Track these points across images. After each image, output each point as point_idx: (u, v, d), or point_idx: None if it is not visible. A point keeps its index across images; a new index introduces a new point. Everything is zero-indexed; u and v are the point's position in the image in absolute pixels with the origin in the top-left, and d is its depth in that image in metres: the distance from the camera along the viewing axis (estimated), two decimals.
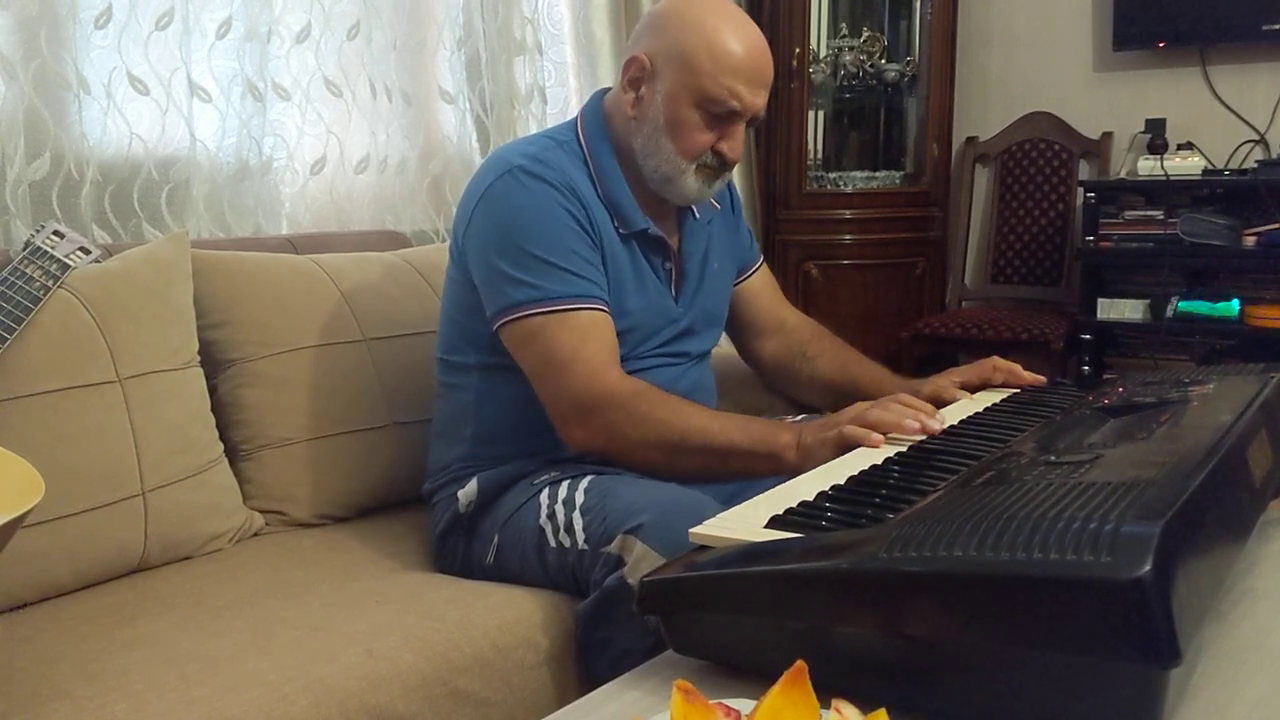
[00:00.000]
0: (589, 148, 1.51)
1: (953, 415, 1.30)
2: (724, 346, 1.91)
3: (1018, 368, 1.50)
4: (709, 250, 1.61)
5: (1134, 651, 0.64)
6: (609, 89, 1.57)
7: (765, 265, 1.80)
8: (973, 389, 1.49)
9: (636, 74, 1.47)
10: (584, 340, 1.38)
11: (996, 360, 1.52)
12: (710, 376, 1.66)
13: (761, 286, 1.76)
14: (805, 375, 1.68)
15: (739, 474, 1.35)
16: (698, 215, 1.61)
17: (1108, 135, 3.52)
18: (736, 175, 3.37)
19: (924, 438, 1.18)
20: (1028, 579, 0.67)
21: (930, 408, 1.23)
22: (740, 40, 1.42)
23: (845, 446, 1.21)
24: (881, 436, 1.18)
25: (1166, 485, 0.75)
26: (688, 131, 1.44)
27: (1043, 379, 1.49)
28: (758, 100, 1.45)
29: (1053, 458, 0.93)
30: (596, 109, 1.55)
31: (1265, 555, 1.04)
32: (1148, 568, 0.63)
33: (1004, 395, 1.44)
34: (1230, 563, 0.86)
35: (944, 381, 1.50)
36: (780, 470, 1.27)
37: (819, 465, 1.21)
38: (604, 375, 1.36)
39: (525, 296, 1.39)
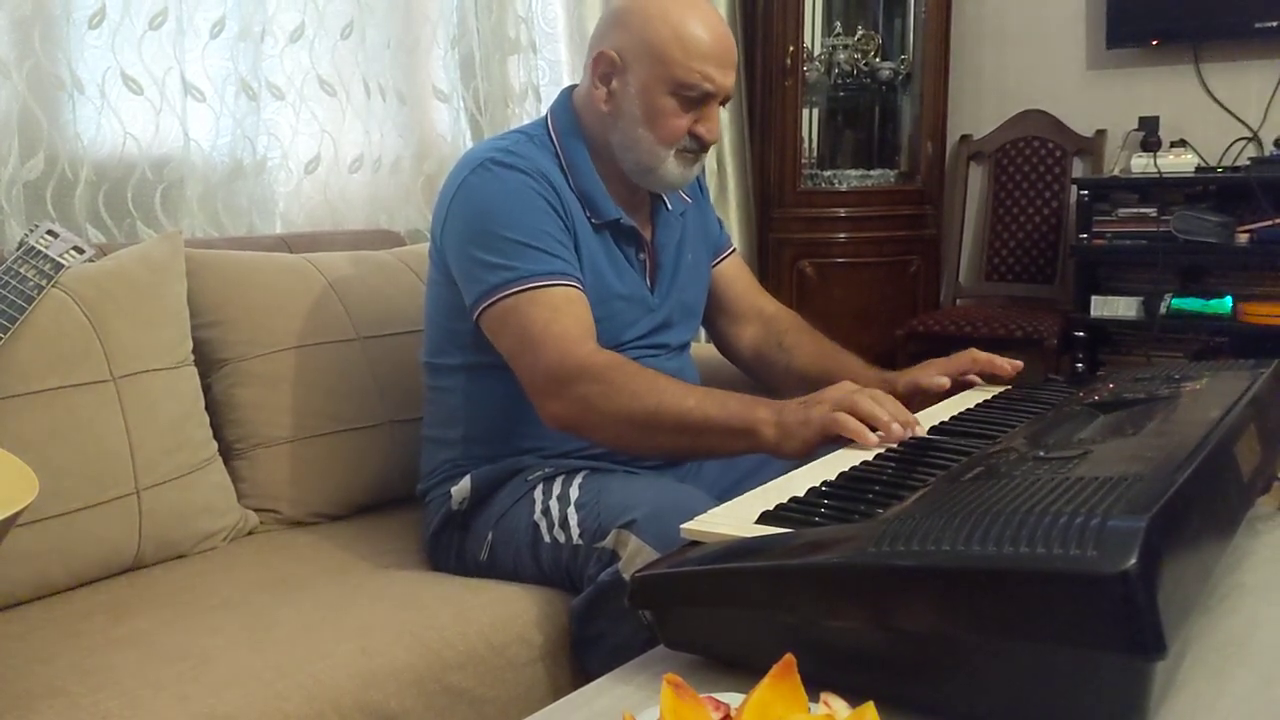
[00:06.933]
0: (560, 142, 1.52)
1: (945, 412, 1.31)
2: (710, 349, 1.90)
3: (996, 358, 1.50)
4: (683, 241, 1.62)
5: (1120, 644, 0.64)
6: (576, 85, 1.58)
7: (737, 254, 1.80)
8: (950, 381, 1.49)
9: (607, 69, 1.48)
10: (556, 315, 1.38)
11: (975, 352, 1.51)
12: (692, 367, 1.66)
13: (735, 272, 1.77)
14: (782, 366, 1.68)
15: (714, 451, 1.34)
16: (670, 207, 1.62)
17: (1101, 133, 3.53)
18: (730, 173, 3.39)
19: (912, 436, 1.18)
20: (1015, 573, 0.67)
21: (909, 414, 1.22)
22: (705, 25, 1.45)
23: (832, 433, 1.20)
24: (875, 439, 1.17)
25: (1154, 480, 0.76)
26: (665, 120, 1.46)
27: (1020, 364, 1.49)
28: (727, 80, 1.48)
29: (1042, 453, 0.93)
30: (566, 104, 1.56)
31: (1253, 550, 1.04)
32: (1133, 561, 0.64)
33: (994, 392, 1.44)
34: (1217, 557, 0.86)
35: (920, 372, 1.50)
36: (756, 448, 1.27)
37: (800, 445, 1.22)
38: (578, 347, 1.36)
39: (499, 279, 1.40)
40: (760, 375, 1.73)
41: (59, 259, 1.50)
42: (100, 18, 1.87)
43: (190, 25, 2.01)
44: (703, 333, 1.80)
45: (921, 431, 1.19)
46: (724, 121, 3.36)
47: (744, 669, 0.79)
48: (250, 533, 1.67)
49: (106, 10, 1.88)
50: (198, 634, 1.27)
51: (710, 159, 3.33)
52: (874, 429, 1.17)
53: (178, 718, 1.08)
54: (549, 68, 2.87)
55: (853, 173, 3.66)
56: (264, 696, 1.13)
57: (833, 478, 1.02)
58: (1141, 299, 3.22)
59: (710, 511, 0.94)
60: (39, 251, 1.49)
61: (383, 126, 2.40)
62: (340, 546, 1.62)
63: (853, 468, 1.05)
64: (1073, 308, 3.34)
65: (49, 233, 1.54)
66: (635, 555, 1.28)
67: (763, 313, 1.75)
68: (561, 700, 0.84)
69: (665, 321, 1.58)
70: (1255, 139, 3.31)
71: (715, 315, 1.76)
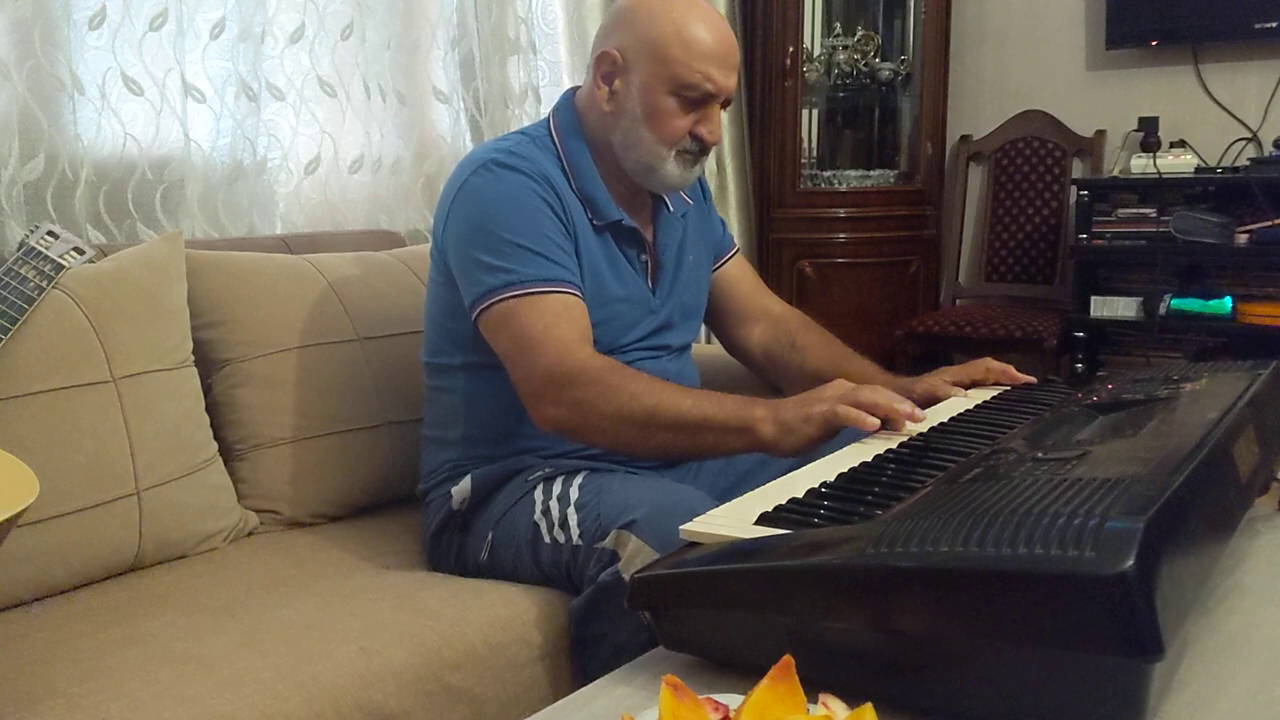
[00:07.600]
0: (562, 143, 1.53)
1: (944, 412, 1.31)
2: (714, 346, 1.91)
3: (1010, 368, 1.51)
4: (684, 242, 1.63)
5: (1118, 645, 0.65)
6: (579, 87, 1.59)
7: (741, 254, 1.80)
8: (964, 388, 1.50)
9: (609, 69, 1.49)
10: (556, 320, 1.38)
11: (989, 361, 1.53)
12: (693, 368, 1.66)
13: (740, 272, 1.77)
14: (795, 366, 1.68)
15: (712, 450, 1.34)
16: (671, 208, 1.62)
17: (1101, 133, 3.53)
18: (730, 174, 3.39)
19: (912, 434, 1.19)
20: (1013, 574, 0.68)
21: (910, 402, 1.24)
22: (708, 26, 1.46)
23: (834, 426, 1.21)
24: (877, 421, 1.19)
25: (1152, 481, 0.76)
26: (666, 119, 1.46)
27: (1034, 379, 1.51)
28: (729, 82, 1.48)
29: (1040, 454, 0.93)
30: (568, 106, 1.57)
31: (1252, 551, 1.04)
32: (1131, 562, 0.64)
33: (995, 393, 1.45)
34: (1216, 558, 0.86)
35: (937, 380, 1.52)
36: (755, 446, 1.28)
37: (801, 442, 1.23)
38: (575, 351, 1.36)
39: (499, 281, 1.40)
40: (771, 376, 1.74)
41: (59, 260, 1.51)
42: (100, 19, 1.87)
43: (190, 26, 2.02)
44: (704, 333, 1.80)
45: (924, 427, 1.19)
46: (724, 122, 3.36)
47: (743, 670, 0.79)
48: (250, 533, 1.68)
49: (107, 11, 1.88)
50: (198, 634, 1.27)
51: (710, 159, 3.33)
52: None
53: (178, 718, 1.09)
54: (549, 68, 2.87)
55: (852, 173, 3.67)
56: (263, 697, 1.13)
57: (832, 478, 1.02)
58: (1141, 299, 3.22)
59: (709, 512, 0.94)
60: (39, 252, 1.49)
61: (383, 127, 2.40)
62: (340, 547, 1.62)
63: (852, 469, 1.05)
64: (1072, 308, 3.34)
65: (49, 234, 1.54)
66: (635, 556, 1.28)
67: (769, 312, 1.75)
68: (561, 700, 0.84)
69: (666, 323, 1.58)
70: (1255, 139, 3.31)
71: (722, 316, 1.76)
